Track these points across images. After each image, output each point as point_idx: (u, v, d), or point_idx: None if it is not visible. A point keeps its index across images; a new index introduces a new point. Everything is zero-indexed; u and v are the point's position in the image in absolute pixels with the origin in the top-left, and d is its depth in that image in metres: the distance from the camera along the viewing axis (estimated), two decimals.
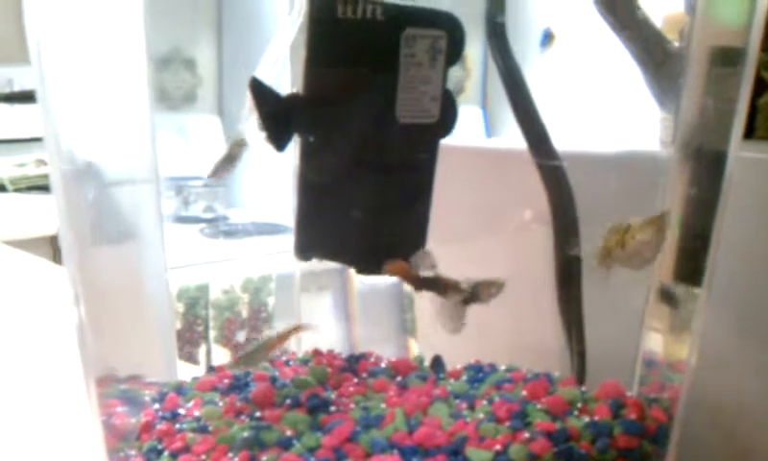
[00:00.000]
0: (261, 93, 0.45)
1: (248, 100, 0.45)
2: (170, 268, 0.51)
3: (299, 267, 0.59)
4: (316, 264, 0.52)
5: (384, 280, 0.49)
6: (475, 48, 0.50)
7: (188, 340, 1.40)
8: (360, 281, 0.58)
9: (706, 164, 0.44)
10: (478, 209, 0.57)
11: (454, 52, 0.45)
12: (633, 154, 0.52)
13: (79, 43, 0.44)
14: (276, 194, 0.55)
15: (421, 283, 0.45)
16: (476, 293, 0.46)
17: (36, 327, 0.90)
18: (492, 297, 0.46)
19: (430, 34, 0.44)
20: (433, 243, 0.48)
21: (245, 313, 1.39)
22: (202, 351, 1.40)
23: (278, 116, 0.45)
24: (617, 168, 0.52)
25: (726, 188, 0.42)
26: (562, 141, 0.49)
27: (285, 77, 0.48)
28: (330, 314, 0.63)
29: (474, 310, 0.61)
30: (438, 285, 0.45)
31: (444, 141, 0.47)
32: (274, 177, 0.55)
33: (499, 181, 0.56)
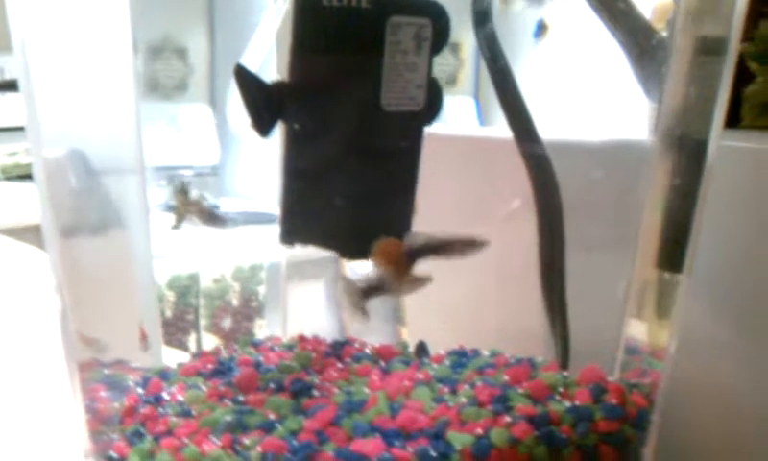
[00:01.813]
0: (246, 80, 0.45)
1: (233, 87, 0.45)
2: (159, 257, 0.51)
3: (285, 256, 0.59)
4: (305, 253, 0.52)
5: (375, 270, 0.49)
6: (468, 38, 0.50)
7: (179, 328, 1.40)
8: (352, 271, 0.59)
9: (688, 153, 0.44)
10: (463, 198, 0.57)
11: (440, 40, 0.45)
12: (617, 143, 0.53)
13: (63, 31, 0.44)
14: (267, 183, 0.55)
15: (421, 253, 0.44)
16: (389, 287, 0.45)
17: (26, 314, 0.90)
18: (411, 292, 0.45)
19: (416, 21, 0.44)
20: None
21: (235, 302, 1.39)
22: (192, 339, 1.40)
23: (263, 103, 0.45)
24: (602, 157, 0.52)
25: (707, 177, 0.42)
26: (548, 130, 0.50)
27: (271, 64, 0.48)
28: (321, 303, 0.64)
29: (462, 298, 0.61)
30: (442, 248, 0.44)
31: (430, 129, 0.47)
32: (264, 165, 0.55)
33: (484, 169, 0.56)
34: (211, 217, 0.47)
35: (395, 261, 0.44)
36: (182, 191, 0.47)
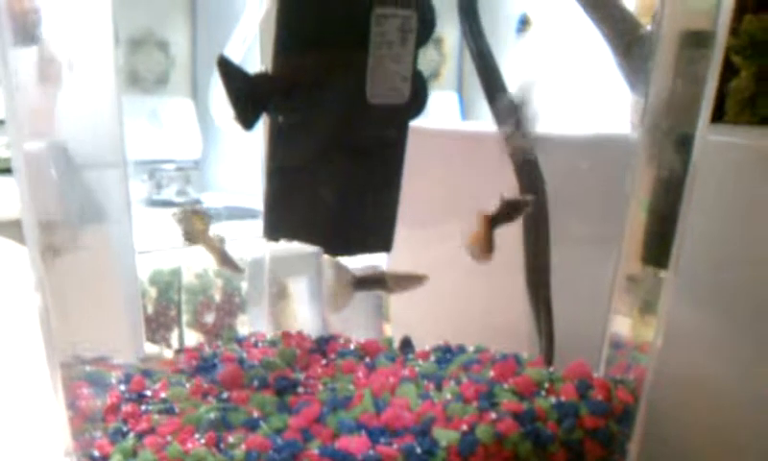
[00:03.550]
0: (229, 72, 0.44)
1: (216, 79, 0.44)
2: (141, 252, 0.51)
3: (269, 252, 0.59)
4: (289, 249, 0.51)
5: (359, 265, 0.49)
6: (451, 33, 0.50)
7: (161, 324, 1.39)
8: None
9: (674, 147, 0.44)
10: (448, 192, 0.57)
11: (425, 32, 0.45)
12: (603, 137, 0.53)
13: (43, 22, 0.43)
14: (250, 177, 0.54)
15: (499, 220, 0.43)
16: (384, 282, 0.45)
17: (6, 310, 0.89)
18: (404, 291, 0.45)
19: (401, 13, 0.44)
20: (403, 226, 0.48)
21: (218, 297, 1.39)
22: (174, 335, 1.39)
23: (247, 95, 0.44)
24: (587, 151, 0.52)
25: (693, 171, 0.42)
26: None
27: (255, 55, 0.48)
28: (305, 298, 0.63)
29: (447, 293, 0.61)
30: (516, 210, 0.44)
31: (415, 124, 0.47)
32: (247, 160, 0.54)
33: (469, 163, 0.56)
34: (225, 261, 0.47)
35: (485, 243, 0.44)
36: (201, 219, 0.47)
